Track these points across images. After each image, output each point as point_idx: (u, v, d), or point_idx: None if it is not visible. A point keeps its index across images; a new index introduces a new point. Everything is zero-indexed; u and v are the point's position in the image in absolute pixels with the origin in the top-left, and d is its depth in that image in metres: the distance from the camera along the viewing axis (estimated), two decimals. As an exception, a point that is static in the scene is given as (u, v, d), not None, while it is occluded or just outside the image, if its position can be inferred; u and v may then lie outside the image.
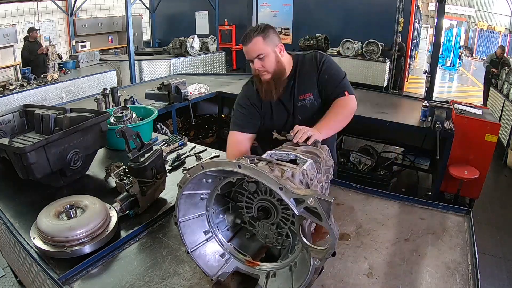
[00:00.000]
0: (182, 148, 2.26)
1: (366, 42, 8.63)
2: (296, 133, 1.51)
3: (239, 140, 1.83)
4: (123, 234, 1.42)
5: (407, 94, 8.10)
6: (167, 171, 1.80)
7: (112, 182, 1.76)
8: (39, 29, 6.94)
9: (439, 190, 3.67)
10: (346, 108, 1.78)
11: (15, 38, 8.34)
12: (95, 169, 1.99)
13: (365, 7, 8.79)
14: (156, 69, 7.43)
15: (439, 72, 10.32)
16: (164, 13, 11.56)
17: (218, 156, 2.15)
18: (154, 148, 1.65)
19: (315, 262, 0.95)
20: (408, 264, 1.26)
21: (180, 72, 7.19)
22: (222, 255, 1.20)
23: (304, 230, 0.98)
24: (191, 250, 1.17)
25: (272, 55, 1.76)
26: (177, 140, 2.34)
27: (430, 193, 3.87)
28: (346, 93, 1.80)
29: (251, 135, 1.86)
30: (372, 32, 8.49)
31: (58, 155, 1.67)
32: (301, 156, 1.26)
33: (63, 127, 1.86)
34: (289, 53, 1.89)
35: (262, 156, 1.25)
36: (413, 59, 12.43)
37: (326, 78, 1.81)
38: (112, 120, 2.27)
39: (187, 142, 2.34)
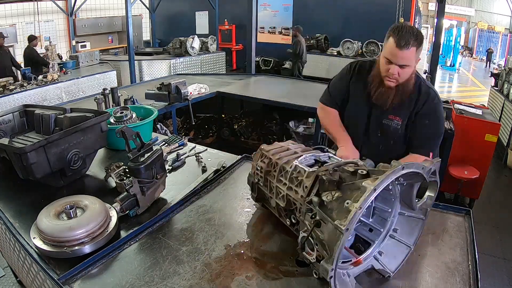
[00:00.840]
0: (182, 148, 2.26)
1: (366, 42, 8.64)
2: None
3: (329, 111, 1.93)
4: (123, 234, 1.42)
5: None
6: (167, 171, 1.80)
7: (112, 182, 1.76)
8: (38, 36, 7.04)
9: (439, 190, 3.67)
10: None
11: (15, 38, 8.35)
12: (95, 169, 1.99)
13: (365, 7, 8.79)
14: (156, 69, 7.43)
15: (439, 72, 10.32)
16: (164, 13, 11.57)
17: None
18: (154, 148, 1.65)
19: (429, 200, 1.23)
20: (408, 264, 1.26)
21: (180, 72, 7.20)
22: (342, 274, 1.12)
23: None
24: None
25: (412, 69, 1.65)
26: (177, 140, 2.34)
27: (430, 193, 3.86)
28: (431, 155, 1.71)
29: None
30: (372, 32, 8.49)
31: (58, 155, 1.67)
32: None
33: (63, 127, 1.86)
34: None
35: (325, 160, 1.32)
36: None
37: (425, 123, 1.71)
38: (112, 120, 2.27)
39: (187, 142, 2.34)
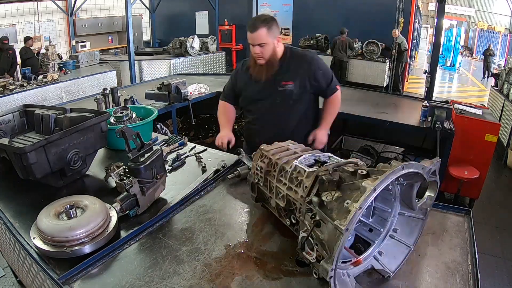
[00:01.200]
0: (182, 148, 2.26)
1: (366, 42, 8.64)
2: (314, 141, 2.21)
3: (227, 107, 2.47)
4: (123, 234, 1.42)
5: (407, 94, 8.10)
6: (167, 171, 1.80)
7: (112, 182, 1.75)
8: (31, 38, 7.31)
9: (439, 190, 3.67)
10: (339, 102, 2.29)
11: (15, 38, 8.35)
12: (95, 169, 1.99)
13: (365, 7, 8.79)
14: (156, 69, 7.43)
15: (439, 72, 10.32)
16: (164, 13, 11.57)
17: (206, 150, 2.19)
18: (154, 148, 1.65)
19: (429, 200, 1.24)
20: (408, 264, 1.26)
21: (180, 72, 7.20)
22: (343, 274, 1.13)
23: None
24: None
25: (271, 45, 2.09)
26: (177, 140, 2.34)
27: (430, 193, 3.86)
28: (338, 87, 2.26)
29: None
30: (372, 32, 8.50)
31: (58, 155, 1.67)
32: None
33: (63, 127, 1.87)
34: (284, 45, 2.21)
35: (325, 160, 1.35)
36: (413, 59, 12.43)
37: (320, 74, 2.18)
38: (112, 120, 2.27)
39: (187, 142, 2.34)
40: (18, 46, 8.40)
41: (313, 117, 2.32)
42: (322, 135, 2.23)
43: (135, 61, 6.65)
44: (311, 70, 2.16)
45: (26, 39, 7.11)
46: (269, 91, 2.18)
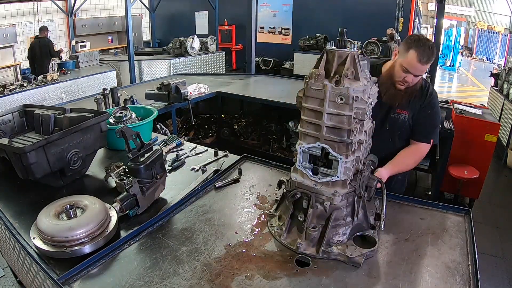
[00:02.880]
0: (182, 149, 2.25)
1: (366, 42, 8.63)
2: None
3: None
4: (123, 234, 1.42)
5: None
6: (167, 171, 1.80)
7: (112, 182, 1.76)
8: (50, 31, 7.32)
9: (439, 190, 3.67)
10: (421, 157, 1.92)
11: (15, 38, 8.34)
12: (95, 169, 1.99)
13: (365, 7, 8.78)
14: (156, 69, 7.42)
15: (438, 72, 10.32)
16: (164, 13, 11.56)
17: (227, 156, 2.15)
18: (154, 148, 1.65)
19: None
20: (408, 264, 1.26)
21: (180, 72, 7.19)
22: None
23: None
24: None
25: (421, 77, 1.85)
26: (174, 140, 2.34)
27: (430, 193, 3.86)
28: (432, 141, 1.91)
29: None
30: (372, 32, 8.49)
31: (58, 155, 1.67)
32: None
33: (62, 127, 1.86)
34: None
35: None
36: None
37: (427, 113, 1.88)
38: (111, 120, 2.27)
39: (184, 142, 2.33)
40: (18, 46, 8.42)
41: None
42: (382, 174, 1.74)
43: (135, 61, 6.63)
44: (423, 103, 1.87)
45: (42, 29, 7.01)
46: (382, 115, 1.89)
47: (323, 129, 1.25)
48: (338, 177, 1.28)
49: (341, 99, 1.21)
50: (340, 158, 1.26)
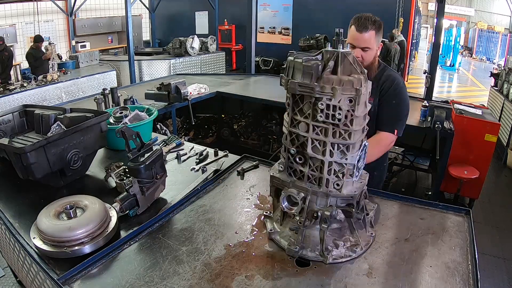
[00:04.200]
0: (182, 149, 2.25)
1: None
2: None
3: None
4: (123, 234, 1.42)
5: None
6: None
7: (112, 182, 1.76)
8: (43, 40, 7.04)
9: (439, 190, 3.67)
10: (385, 146, 1.92)
11: (15, 38, 8.35)
12: (95, 169, 1.99)
13: (365, 7, 8.74)
14: (156, 69, 7.43)
15: (438, 72, 10.32)
16: (164, 13, 11.57)
17: (227, 156, 2.15)
18: (154, 148, 1.65)
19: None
20: (408, 264, 1.26)
21: (180, 72, 7.19)
22: None
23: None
24: None
25: (374, 52, 1.86)
26: (174, 140, 2.34)
27: (430, 193, 3.87)
28: (396, 132, 1.91)
29: None
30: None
31: (58, 155, 1.67)
32: None
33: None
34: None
35: None
36: (413, 59, 12.43)
37: (393, 103, 1.88)
38: (111, 120, 2.27)
39: (184, 142, 2.33)
40: (18, 46, 8.42)
41: None
42: None
43: (135, 61, 6.64)
44: (389, 94, 1.89)
45: (37, 40, 6.66)
46: None
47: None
48: None
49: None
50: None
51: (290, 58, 1.24)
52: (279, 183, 1.37)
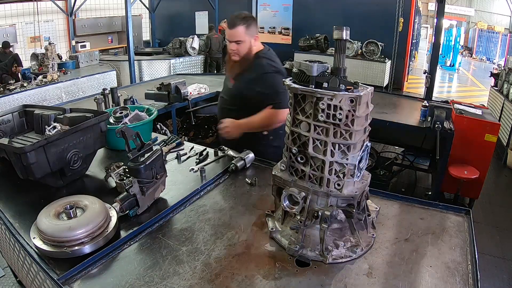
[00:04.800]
0: (182, 149, 2.25)
1: (366, 42, 8.63)
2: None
3: None
4: (123, 234, 1.42)
5: (407, 94, 8.10)
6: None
7: (112, 182, 1.76)
8: (12, 45, 7.05)
9: (439, 190, 3.67)
10: (274, 120, 2.20)
11: (15, 38, 8.35)
12: (95, 169, 1.99)
13: (364, 7, 8.79)
14: (156, 69, 7.43)
15: (438, 72, 10.31)
16: (164, 13, 11.56)
17: (227, 156, 2.14)
18: (154, 148, 1.65)
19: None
20: (408, 264, 1.26)
21: (180, 72, 7.19)
22: None
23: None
24: None
25: (247, 44, 2.19)
26: (174, 140, 2.34)
27: (430, 193, 3.87)
28: (283, 108, 2.15)
29: None
30: (371, 32, 8.49)
31: (57, 155, 1.67)
32: None
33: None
34: (264, 46, 2.31)
35: None
36: (413, 59, 12.43)
37: (258, 89, 2.17)
38: (111, 120, 2.27)
39: (184, 142, 2.33)
40: (18, 46, 8.43)
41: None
42: (233, 125, 2.26)
43: (135, 61, 6.64)
44: (252, 77, 2.20)
45: (5, 45, 6.71)
46: (235, 90, 2.29)
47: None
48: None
49: None
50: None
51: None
52: (281, 182, 1.37)
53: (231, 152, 2.07)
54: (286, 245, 1.31)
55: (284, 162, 1.38)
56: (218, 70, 8.70)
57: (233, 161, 1.93)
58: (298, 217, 1.31)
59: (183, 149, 2.24)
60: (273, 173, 1.41)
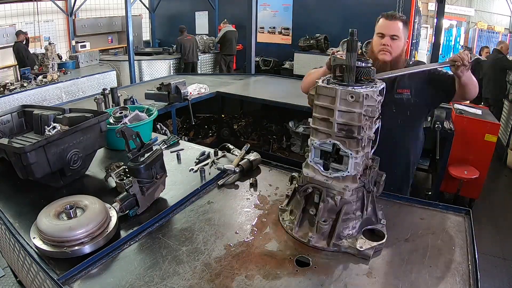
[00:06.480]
0: (182, 149, 2.25)
1: (366, 42, 8.62)
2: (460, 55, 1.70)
3: None
4: (123, 234, 1.42)
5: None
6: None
7: (112, 182, 1.76)
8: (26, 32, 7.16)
9: (439, 190, 3.67)
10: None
11: (15, 38, 8.33)
12: (95, 169, 1.99)
13: (365, 7, 8.77)
14: (156, 69, 7.43)
15: (439, 72, 10.28)
16: (164, 13, 11.56)
17: (227, 156, 2.15)
18: (154, 148, 1.65)
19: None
20: (408, 264, 1.26)
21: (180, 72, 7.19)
22: None
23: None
24: None
25: (402, 43, 1.93)
26: (173, 139, 2.34)
27: (430, 193, 3.86)
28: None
29: None
30: (372, 32, 8.48)
31: (57, 155, 1.67)
32: None
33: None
34: None
35: None
36: (412, 59, 12.42)
37: (437, 74, 1.93)
38: (111, 120, 2.27)
39: (180, 141, 2.33)
40: (17, 47, 8.39)
41: (421, 140, 2.12)
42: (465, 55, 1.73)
43: (135, 61, 6.64)
44: (425, 72, 1.90)
45: (18, 33, 6.89)
46: (386, 97, 1.89)
47: (334, 126, 1.27)
48: (348, 172, 1.30)
49: (351, 97, 1.23)
50: (351, 154, 1.28)
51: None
52: (313, 184, 1.37)
53: (236, 152, 2.06)
54: (300, 237, 1.36)
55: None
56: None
57: (240, 163, 1.92)
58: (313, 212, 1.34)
59: (183, 149, 2.24)
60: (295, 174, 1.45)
